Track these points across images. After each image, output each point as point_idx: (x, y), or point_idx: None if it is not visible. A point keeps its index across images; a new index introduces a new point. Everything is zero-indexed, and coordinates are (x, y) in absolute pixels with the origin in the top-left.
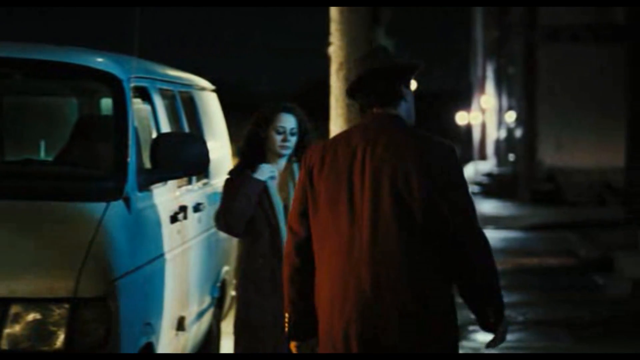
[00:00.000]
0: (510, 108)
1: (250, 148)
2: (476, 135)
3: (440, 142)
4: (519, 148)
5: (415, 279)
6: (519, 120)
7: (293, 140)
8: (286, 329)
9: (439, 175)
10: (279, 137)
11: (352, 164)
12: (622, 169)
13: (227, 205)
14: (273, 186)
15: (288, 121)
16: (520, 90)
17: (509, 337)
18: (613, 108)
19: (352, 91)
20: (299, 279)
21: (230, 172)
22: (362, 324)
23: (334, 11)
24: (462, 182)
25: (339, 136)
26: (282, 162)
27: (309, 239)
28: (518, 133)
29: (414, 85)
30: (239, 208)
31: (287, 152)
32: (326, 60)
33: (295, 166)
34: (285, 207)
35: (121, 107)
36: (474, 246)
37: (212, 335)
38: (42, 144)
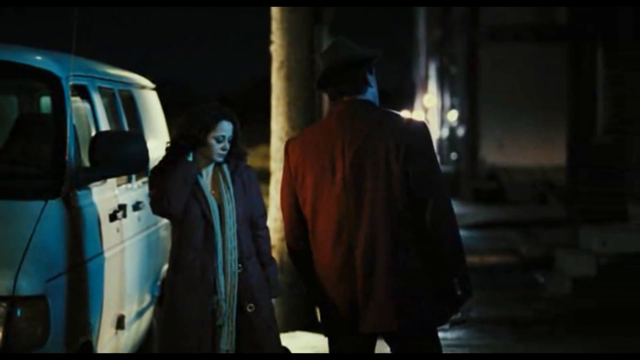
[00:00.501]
0: (452, 107)
1: (181, 146)
2: None
3: (412, 119)
4: (461, 147)
5: (396, 248)
6: (461, 119)
7: (229, 146)
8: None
9: (409, 148)
10: (218, 145)
11: (333, 149)
12: (564, 168)
13: (164, 188)
14: (206, 183)
15: (228, 129)
16: (463, 90)
17: (450, 335)
18: (554, 107)
19: (322, 83)
20: (298, 255)
21: (159, 164)
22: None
23: (275, 10)
24: (431, 151)
25: (316, 126)
26: (211, 165)
27: (300, 221)
28: (460, 132)
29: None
30: (177, 190)
31: (223, 158)
32: (269, 58)
33: (225, 167)
34: (219, 207)
35: (60, 105)
36: (435, 209)
37: (152, 334)
38: None
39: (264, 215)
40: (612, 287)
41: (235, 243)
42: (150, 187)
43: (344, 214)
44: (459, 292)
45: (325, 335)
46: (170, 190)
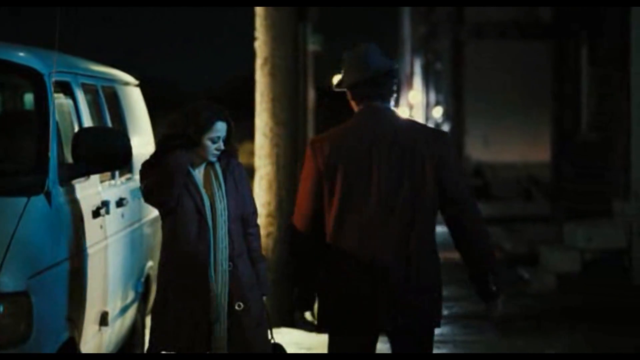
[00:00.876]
0: (437, 104)
1: (174, 144)
2: None
3: (437, 129)
4: None
5: (423, 251)
6: (446, 116)
7: (222, 145)
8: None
9: (441, 158)
10: (213, 146)
11: (368, 153)
12: (549, 165)
13: (157, 177)
14: (199, 179)
15: (222, 129)
16: (448, 86)
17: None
18: (539, 104)
19: (354, 86)
20: (305, 255)
21: (151, 157)
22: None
23: (258, 7)
24: (457, 160)
25: (344, 129)
26: (203, 163)
27: (317, 220)
28: (445, 128)
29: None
30: (170, 179)
31: (216, 158)
32: (253, 55)
33: (216, 165)
34: (211, 205)
35: (42, 101)
36: (472, 214)
37: (136, 331)
38: None
39: (254, 212)
40: (597, 284)
41: (226, 242)
42: (142, 179)
43: (377, 216)
44: (494, 288)
45: (326, 332)
46: (164, 179)
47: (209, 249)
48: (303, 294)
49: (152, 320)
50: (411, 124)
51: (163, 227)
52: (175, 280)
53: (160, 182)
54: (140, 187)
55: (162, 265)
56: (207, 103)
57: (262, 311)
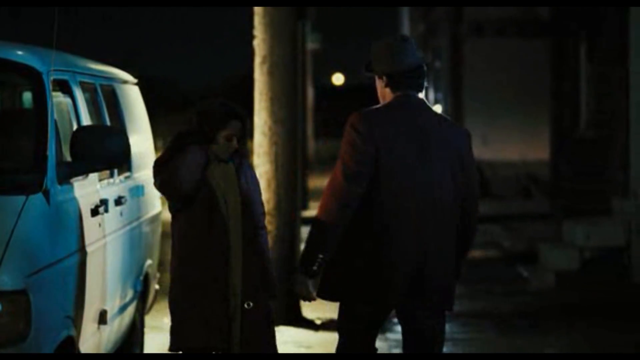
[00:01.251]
0: (436, 102)
1: (189, 141)
2: None
3: (460, 126)
4: None
5: (452, 235)
6: (445, 114)
7: (236, 143)
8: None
9: (466, 153)
10: (227, 144)
11: (418, 137)
12: (548, 163)
13: (175, 169)
14: (213, 174)
15: (237, 127)
16: (447, 85)
17: None
18: (538, 102)
19: (397, 74)
20: (339, 228)
21: (164, 153)
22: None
23: (257, 5)
24: (474, 160)
25: (386, 110)
26: (216, 161)
27: (360, 195)
28: None
29: (340, 79)
30: (188, 170)
31: (229, 156)
32: (252, 54)
33: (230, 163)
34: (226, 201)
35: (41, 100)
36: (474, 203)
37: (135, 329)
38: None
39: (263, 213)
40: (596, 281)
41: (240, 238)
42: (158, 173)
43: (424, 202)
44: (462, 270)
45: (345, 301)
46: (182, 169)
47: (225, 244)
48: (325, 261)
49: (173, 319)
50: (443, 117)
51: (174, 224)
52: (192, 276)
53: (178, 174)
54: (155, 182)
55: (178, 261)
56: (222, 100)
57: (270, 312)
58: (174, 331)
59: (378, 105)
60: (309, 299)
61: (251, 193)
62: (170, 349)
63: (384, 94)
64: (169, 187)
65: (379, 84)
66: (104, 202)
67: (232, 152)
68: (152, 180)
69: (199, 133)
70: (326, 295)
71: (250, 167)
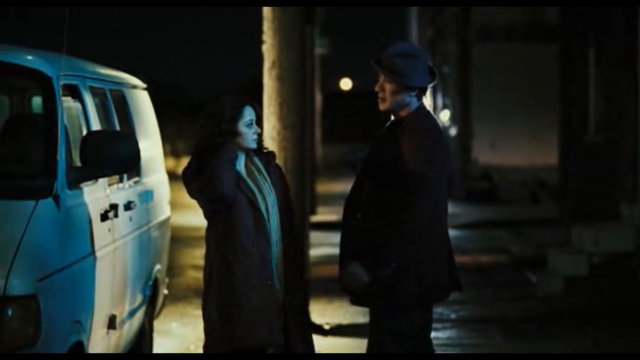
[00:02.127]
0: (445, 107)
1: (215, 144)
2: None
3: None
4: (454, 147)
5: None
6: (453, 119)
7: (258, 129)
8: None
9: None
10: (250, 131)
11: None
12: (556, 167)
13: (214, 171)
14: (244, 172)
15: (253, 114)
16: (455, 89)
17: (442, 334)
18: (546, 107)
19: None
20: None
21: (191, 161)
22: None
23: (266, 10)
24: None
25: (432, 120)
26: (242, 158)
27: None
28: (453, 132)
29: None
30: (226, 170)
31: (256, 144)
32: (261, 58)
33: (256, 160)
34: (262, 198)
35: (51, 105)
36: None
37: (144, 334)
38: None
39: (294, 211)
40: (604, 286)
41: (280, 235)
42: (191, 180)
43: (446, 205)
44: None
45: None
46: (220, 171)
47: (269, 241)
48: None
49: (224, 324)
50: None
51: (210, 228)
52: (241, 277)
53: (218, 177)
54: (189, 190)
55: (223, 264)
56: (228, 95)
57: (307, 312)
58: (223, 335)
59: (424, 109)
60: (358, 292)
61: (283, 191)
62: (218, 351)
63: (403, 102)
64: (209, 190)
65: (397, 91)
66: (113, 207)
67: (258, 138)
68: (161, 184)
69: (220, 133)
70: (397, 302)
71: (279, 167)
